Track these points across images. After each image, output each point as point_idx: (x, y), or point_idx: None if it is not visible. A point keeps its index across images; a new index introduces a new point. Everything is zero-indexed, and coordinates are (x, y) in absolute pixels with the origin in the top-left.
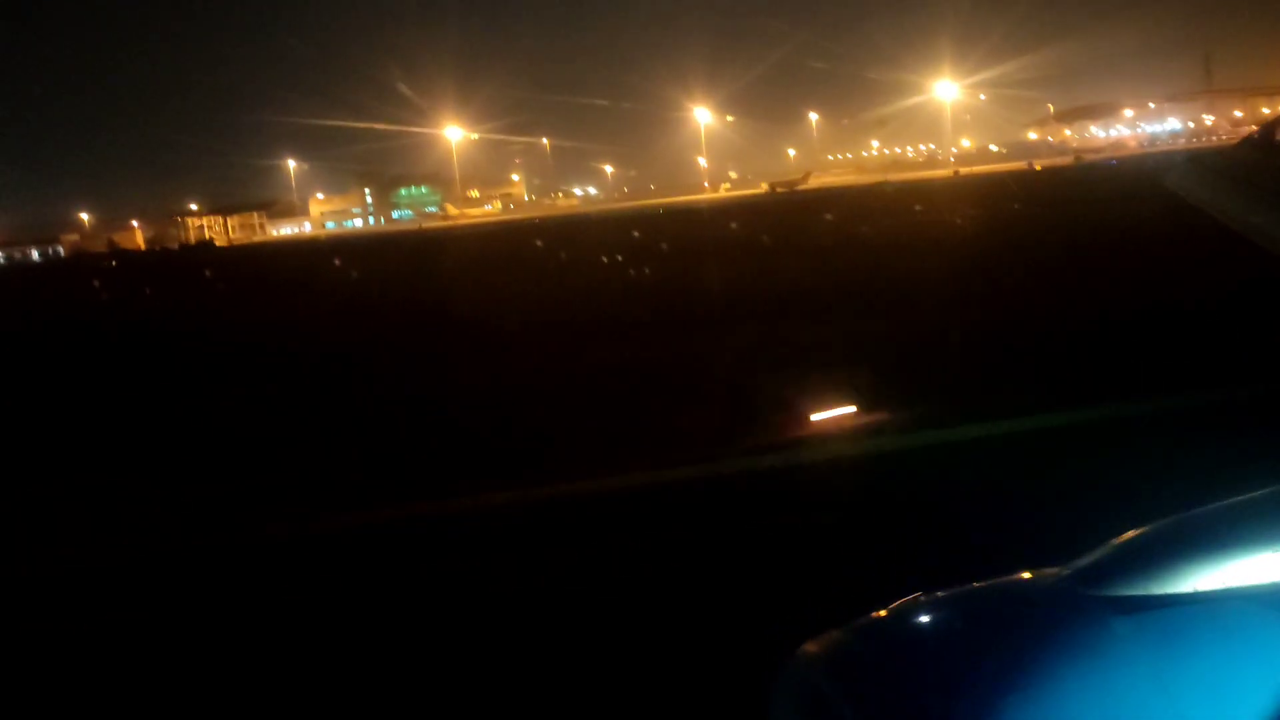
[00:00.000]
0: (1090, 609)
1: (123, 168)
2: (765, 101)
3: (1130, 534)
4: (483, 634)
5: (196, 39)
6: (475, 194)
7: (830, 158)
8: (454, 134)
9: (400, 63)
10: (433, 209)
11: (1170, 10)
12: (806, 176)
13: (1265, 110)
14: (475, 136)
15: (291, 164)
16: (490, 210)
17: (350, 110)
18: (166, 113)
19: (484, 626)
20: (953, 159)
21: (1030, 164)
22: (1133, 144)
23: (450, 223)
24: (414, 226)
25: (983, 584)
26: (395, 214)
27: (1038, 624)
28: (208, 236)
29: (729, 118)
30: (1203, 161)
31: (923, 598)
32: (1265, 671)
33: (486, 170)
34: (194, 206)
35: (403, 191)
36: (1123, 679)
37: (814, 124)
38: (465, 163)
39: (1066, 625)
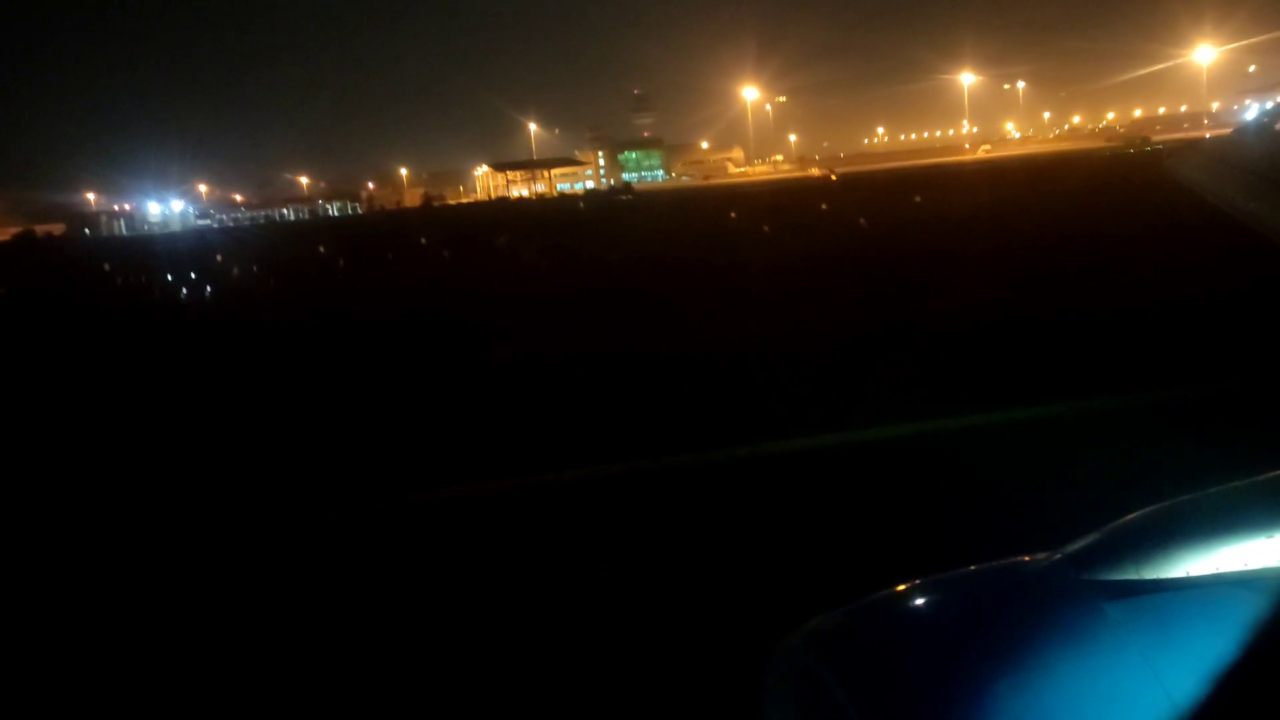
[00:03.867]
0: (1082, 593)
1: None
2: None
3: (1123, 519)
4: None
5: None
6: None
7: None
8: (750, 95)
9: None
10: (649, 175)
11: None
12: (1149, 136)
13: None
14: (782, 99)
15: (532, 127)
16: (770, 169)
17: (579, 75)
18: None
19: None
20: (1206, 122)
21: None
22: None
23: (739, 180)
24: (717, 182)
25: (976, 567)
26: (625, 176)
27: (1030, 607)
28: (510, 193)
29: (1006, 86)
30: (1204, 148)
31: (916, 580)
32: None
33: (683, 136)
34: (403, 170)
35: (627, 155)
36: (1113, 663)
37: (1020, 93)
38: (673, 130)
39: (1058, 609)
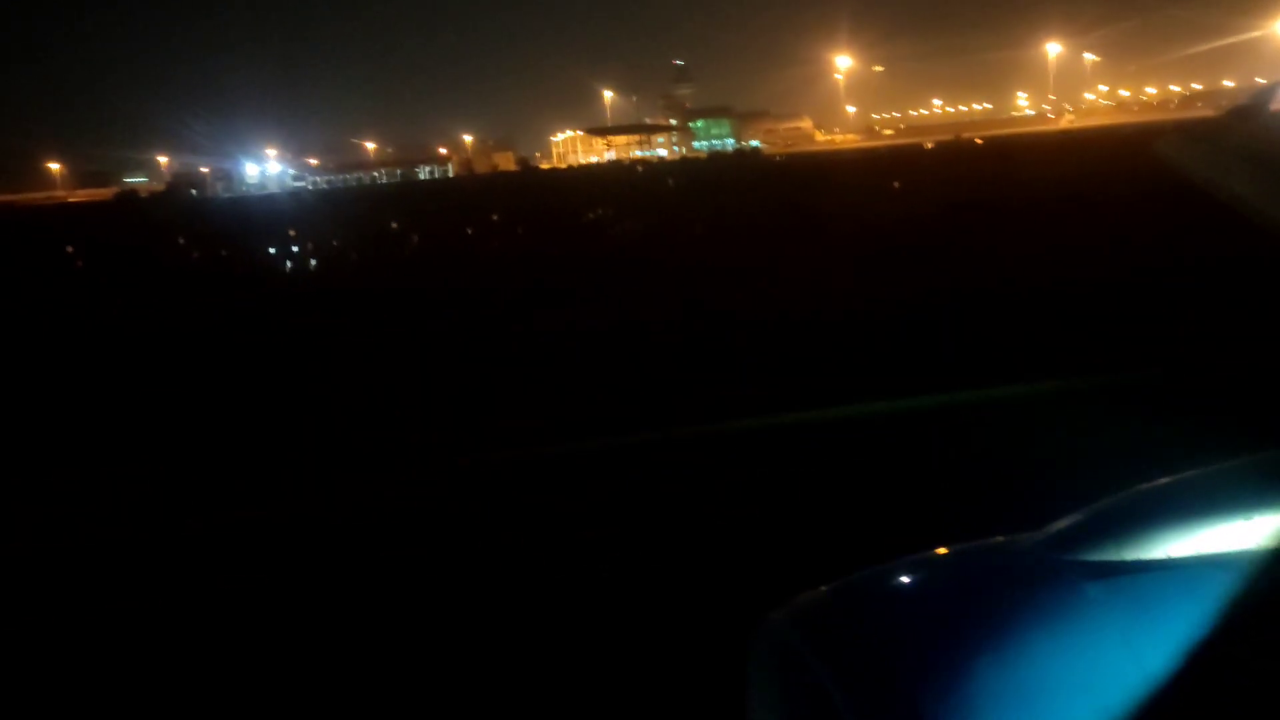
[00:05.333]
0: (1063, 573)
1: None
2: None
3: (1105, 500)
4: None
5: None
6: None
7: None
8: (843, 63)
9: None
10: (717, 143)
11: None
12: None
13: None
14: (879, 69)
15: (607, 94)
16: (858, 138)
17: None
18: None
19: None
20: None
21: None
22: None
23: (833, 147)
24: (811, 150)
25: (958, 547)
26: (696, 144)
27: (1011, 587)
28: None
29: (1087, 56)
30: (1191, 131)
31: (899, 560)
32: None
33: (743, 105)
34: (467, 137)
35: (695, 123)
36: (1093, 642)
37: (1088, 65)
38: (739, 99)
39: (1039, 588)
